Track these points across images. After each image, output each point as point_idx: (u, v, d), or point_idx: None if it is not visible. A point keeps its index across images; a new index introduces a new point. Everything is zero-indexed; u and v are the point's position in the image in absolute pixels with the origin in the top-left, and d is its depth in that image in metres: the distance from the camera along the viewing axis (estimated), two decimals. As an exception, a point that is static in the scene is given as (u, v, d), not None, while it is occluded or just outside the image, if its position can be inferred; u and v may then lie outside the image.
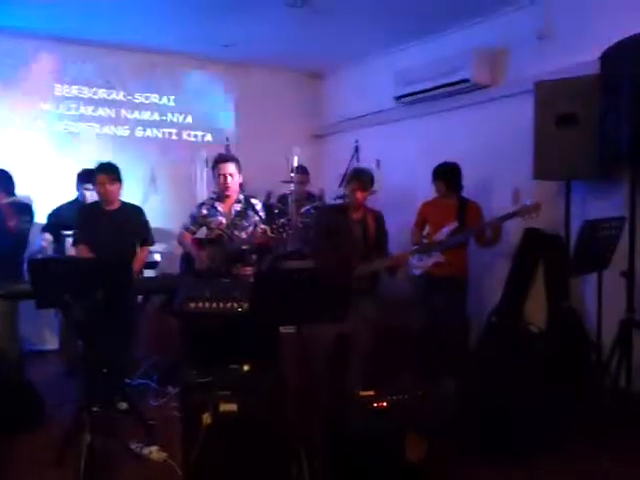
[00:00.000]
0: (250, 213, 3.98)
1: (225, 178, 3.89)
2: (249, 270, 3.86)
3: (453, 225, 4.10)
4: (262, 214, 4.03)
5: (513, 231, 4.42)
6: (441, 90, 4.98)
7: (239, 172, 3.97)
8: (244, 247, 3.85)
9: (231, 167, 3.91)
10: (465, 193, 4.46)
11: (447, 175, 4.26)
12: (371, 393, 2.81)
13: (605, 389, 3.49)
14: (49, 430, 3.43)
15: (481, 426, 3.22)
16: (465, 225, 4.11)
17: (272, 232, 3.68)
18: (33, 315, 4.27)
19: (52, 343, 5.12)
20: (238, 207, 4.00)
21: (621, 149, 3.41)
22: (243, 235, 3.92)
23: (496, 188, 4.68)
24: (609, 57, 3.54)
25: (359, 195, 3.85)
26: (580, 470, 2.98)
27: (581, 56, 3.95)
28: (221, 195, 4.00)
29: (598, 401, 3.48)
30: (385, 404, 2.70)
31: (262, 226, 3.87)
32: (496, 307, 4.36)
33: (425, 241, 4.17)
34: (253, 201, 4.07)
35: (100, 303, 2.98)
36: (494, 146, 4.77)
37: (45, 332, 5.21)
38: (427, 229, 4.33)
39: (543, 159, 3.94)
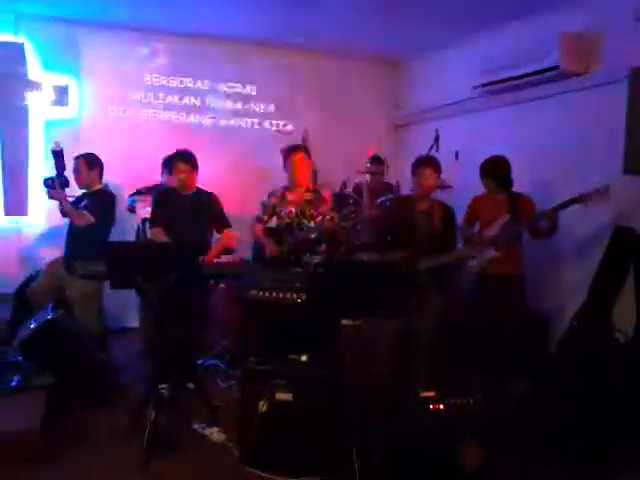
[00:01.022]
0: (319, 202, 3.99)
1: (294, 168, 3.92)
2: (316, 259, 3.87)
3: (505, 219, 3.91)
4: (332, 204, 4.02)
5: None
6: (527, 79, 4.71)
7: (309, 161, 3.98)
8: (312, 236, 3.86)
9: (300, 157, 3.93)
10: (550, 187, 4.23)
11: (495, 172, 4.07)
12: (431, 394, 2.73)
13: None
14: (124, 404, 3.61)
15: (553, 434, 3.06)
16: (517, 218, 3.91)
17: (341, 220, 3.68)
18: (119, 292, 4.52)
19: (136, 321, 5.37)
20: (308, 196, 4.01)
21: None
22: (312, 224, 3.93)
23: (584, 183, 4.38)
24: None
25: (426, 182, 3.76)
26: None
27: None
28: (291, 184, 4.03)
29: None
30: (442, 407, 2.61)
31: (332, 214, 3.87)
32: (580, 309, 4.11)
33: (477, 238, 3.99)
34: (323, 191, 4.07)
35: (171, 286, 3.10)
36: (583, 139, 4.46)
37: (130, 309, 5.46)
38: (477, 226, 4.16)
39: (636, 152, 3.64)
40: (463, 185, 5.03)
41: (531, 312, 4.26)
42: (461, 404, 2.63)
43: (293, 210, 3.98)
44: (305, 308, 2.90)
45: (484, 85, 5.13)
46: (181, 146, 4.27)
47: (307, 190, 4.04)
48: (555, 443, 3.04)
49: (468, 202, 4.30)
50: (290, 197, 4.03)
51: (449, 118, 5.76)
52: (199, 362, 4.20)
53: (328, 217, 3.84)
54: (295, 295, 2.88)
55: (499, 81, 4.94)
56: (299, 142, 5.35)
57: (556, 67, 4.45)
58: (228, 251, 4.85)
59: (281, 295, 2.91)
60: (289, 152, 3.97)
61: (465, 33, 5.35)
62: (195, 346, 4.01)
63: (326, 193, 4.07)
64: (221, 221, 4.19)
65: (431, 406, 2.63)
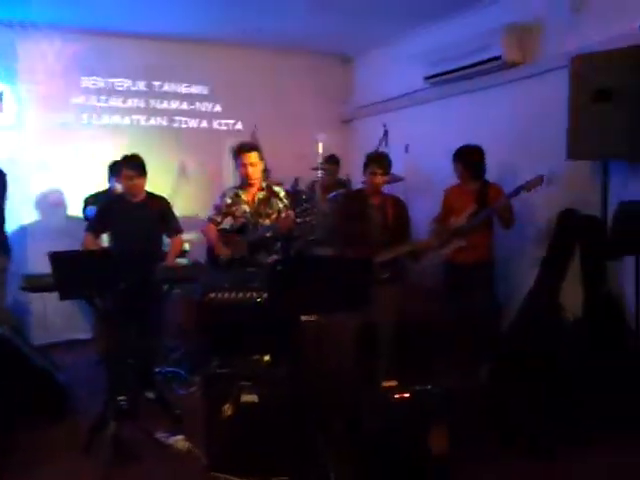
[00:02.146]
0: (273, 200, 3.96)
1: (246, 167, 3.87)
2: (273, 258, 3.83)
3: (471, 208, 3.98)
4: (286, 201, 3.99)
5: (540, 213, 4.26)
6: (471, 69, 4.79)
7: (261, 160, 3.95)
8: (267, 234, 3.83)
9: (252, 156, 3.89)
10: (498, 174, 4.31)
11: (466, 157, 4.15)
12: (393, 384, 2.74)
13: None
14: (78, 419, 3.49)
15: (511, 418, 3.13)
16: (483, 207, 4.00)
17: (296, 217, 3.66)
18: (66, 304, 4.38)
19: (84, 332, 5.20)
20: (261, 195, 3.97)
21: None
22: (267, 222, 3.89)
23: (530, 170, 4.48)
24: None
25: (375, 179, 3.80)
26: (610, 463, 2.84)
27: (619, 28, 3.72)
28: (244, 184, 3.98)
29: (636, 390, 3.32)
30: (407, 395, 2.63)
31: (287, 211, 3.85)
32: (529, 292, 4.21)
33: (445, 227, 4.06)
34: (276, 188, 4.05)
35: (124, 294, 3.01)
36: (528, 126, 4.57)
37: (76, 321, 5.26)
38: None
39: (578, 138, 3.74)
40: (416, 176, 5.11)
41: (496, 298, 4.33)
42: (426, 391, 2.65)
43: (248, 209, 3.93)
44: (265, 307, 2.85)
45: (431, 77, 5.19)
46: (127, 150, 4.15)
47: (260, 189, 3.99)
48: (514, 424, 3.10)
49: (425, 195, 4.35)
50: (244, 196, 3.98)
51: (398, 111, 5.80)
52: (157, 370, 4.10)
53: (283, 214, 3.82)
54: (255, 294, 2.84)
55: (445, 72, 5.00)
56: (249, 140, 5.28)
57: (499, 57, 4.55)
58: (181, 254, 4.77)
59: (240, 295, 2.86)
60: (240, 152, 3.91)
61: (411, 26, 5.40)
62: (152, 354, 3.91)
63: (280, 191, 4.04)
64: (172, 227, 4.09)
65: (396, 395, 2.64)
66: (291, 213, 3.64)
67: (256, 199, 3.97)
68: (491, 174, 4.34)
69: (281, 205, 3.96)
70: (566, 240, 4.00)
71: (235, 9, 4.93)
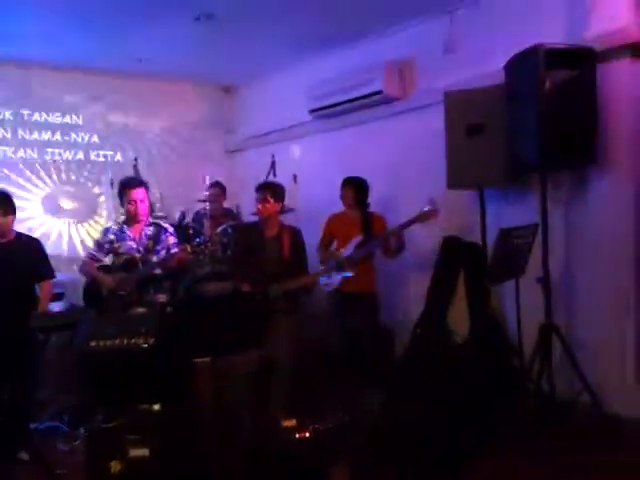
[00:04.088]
0: (163, 236, 3.78)
1: (135, 204, 3.68)
2: (163, 297, 3.65)
3: (358, 239, 4.06)
4: (175, 236, 3.84)
5: (421, 241, 4.44)
6: (354, 103, 4.95)
7: (148, 195, 3.78)
8: (156, 271, 3.65)
9: (140, 192, 3.72)
10: (382, 205, 4.43)
11: (357, 184, 4.24)
12: (293, 423, 2.67)
13: (528, 393, 3.50)
14: None
15: (409, 440, 3.15)
16: (370, 237, 4.08)
17: (192, 250, 3.52)
18: None
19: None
20: (149, 231, 3.79)
21: (529, 157, 3.46)
22: (154, 259, 3.71)
23: (412, 199, 4.67)
24: (512, 67, 3.61)
25: (267, 207, 3.77)
26: (507, 476, 2.95)
27: (486, 67, 4.01)
28: (130, 220, 3.77)
29: (522, 405, 3.50)
30: (307, 434, 2.56)
31: (182, 246, 3.68)
32: (420, 318, 4.35)
33: (334, 258, 4.09)
34: (164, 224, 3.88)
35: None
36: (408, 158, 4.78)
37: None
38: (335, 244, 4.27)
39: (455, 169, 3.96)
40: (305, 207, 5.13)
41: (382, 325, 4.41)
42: (325, 429, 2.60)
43: (134, 246, 3.72)
44: (153, 352, 2.67)
45: (315, 110, 5.28)
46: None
47: (147, 224, 3.81)
48: (412, 448, 3.13)
49: (316, 224, 4.36)
50: (130, 233, 3.77)
51: (284, 142, 5.83)
52: (34, 426, 3.71)
53: (176, 250, 3.65)
54: (142, 340, 2.65)
55: (329, 106, 5.13)
56: (131, 173, 5.06)
57: (380, 92, 4.74)
58: (57, 297, 4.41)
59: (125, 342, 2.65)
60: (127, 187, 3.72)
61: (294, 59, 5.48)
62: (28, 409, 3.54)
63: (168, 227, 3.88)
64: (44, 271, 3.76)
65: (297, 435, 2.57)
66: (187, 247, 3.48)
67: (143, 235, 3.78)
68: (374, 204, 4.47)
69: (172, 240, 3.80)
70: (450, 266, 4.19)
71: (115, 37, 4.76)
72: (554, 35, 3.60)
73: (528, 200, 3.90)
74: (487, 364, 3.73)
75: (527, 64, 3.42)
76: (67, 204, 5.52)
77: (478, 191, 4.05)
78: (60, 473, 3.16)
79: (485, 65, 4.05)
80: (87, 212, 5.56)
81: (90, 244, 3.91)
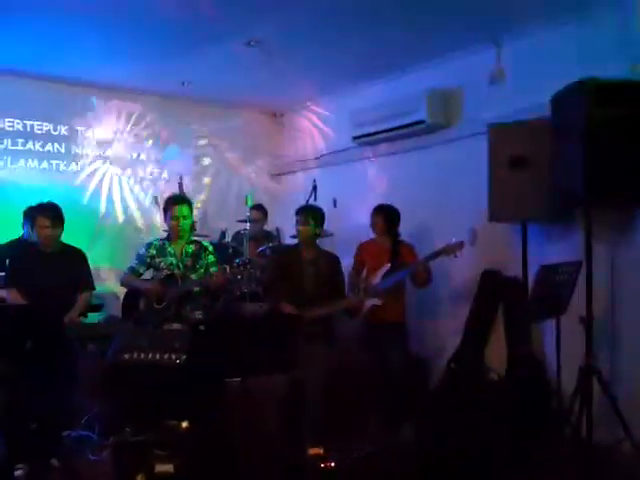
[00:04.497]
0: (202, 254, 3.85)
1: (178, 220, 3.77)
2: (199, 314, 3.69)
3: (386, 267, 4.02)
4: (215, 256, 3.91)
5: (460, 274, 4.36)
6: (397, 131, 4.96)
7: (192, 213, 3.86)
8: (195, 289, 3.71)
9: (184, 209, 3.81)
10: (420, 235, 4.40)
11: (387, 211, 4.22)
12: (320, 452, 2.64)
13: (566, 438, 3.37)
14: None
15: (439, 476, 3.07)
16: (398, 266, 4.02)
17: (232, 271, 3.58)
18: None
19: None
20: (189, 248, 3.86)
21: (573, 191, 3.39)
22: (193, 277, 3.76)
23: (451, 230, 4.61)
24: (558, 101, 3.55)
25: (306, 229, 3.80)
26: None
27: (533, 99, 3.96)
28: (173, 236, 3.85)
29: (560, 450, 3.37)
30: (333, 464, 2.52)
31: (221, 266, 3.73)
32: (455, 352, 4.27)
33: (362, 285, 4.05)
34: (204, 243, 3.95)
35: (29, 353, 2.77)
36: (449, 188, 4.74)
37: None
38: (365, 272, 4.24)
39: (498, 201, 3.91)
40: (343, 232, 5.14)
41: (413, 358, 4.33)
42: (351, 460, 2.56)
43: (175, 262, 3.79)
44: (185, 369, 2.69)
45: (359, 137, 5.31)
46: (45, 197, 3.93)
47: (189, 242, 3.88)
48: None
49: (354, 250, 4.35)
50: (171, 249, 3.85)
51: (326, 167, 5.88)
52: (66, 434, 3.77)
53: (215, 269, 3.71)
54: (174, 356, 2.67)
55: (372, 133, 5.15)
56: (176, 191, 5.18)
57: (422, 121, 4.73)
58: (95, 308, 4.51)
59: (157, 357, 2.68)
60: (172, 203, 3.81)
61: (340, 87, 5.54)
62: (61, 416, 3.60)
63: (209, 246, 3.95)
64: (84, 282, 3.86)
65: (322, 465, 2.54)
66: (226, 268, 3.53)
67: (184, 252, 3.84)
68: (412, 235, 4.44)
69: (211, 259, 3.85)
70: (489, 300, 4.11)
71: (166, 60, 4.91)
72: (605, 69, 3.54)
73: (571, 237, 3.80)
74: (523, 403, 3.62)
75: (575, 98, 3.36)
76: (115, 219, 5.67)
77: (520, 225, 3.98)
78: (88, 482, 3.20)
79: (531, 98, 4.00)
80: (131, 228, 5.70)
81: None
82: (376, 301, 3.90)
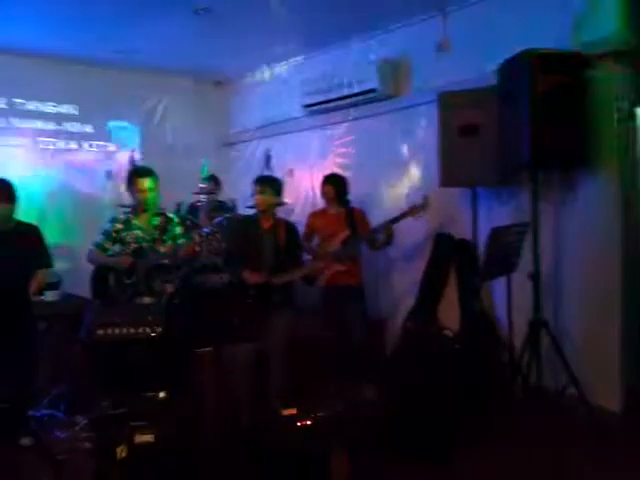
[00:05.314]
0: (169, 227, 3.84)
1: (145, 193, 3.74)
2: (170, 287, 3.70)
3: (345, 233, 4.15)
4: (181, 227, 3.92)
5: (406, 237, 4.57)
6: (348, 100, 5.03)
7: (157, 185, 3.83)
8: (165, 261, 3.71)
9: (150, 181, 3.77)
10: (370, 202, 4.53)
11: (336, 181, 4.33)
12: (293, 411, 2.76)
13: (517, 386, 3.64)
14: None
15: (403, 431, 3.26)
16: (355, 232, 4.17)
17: (200, 241, 3.58)
18: None
19: None
20: (155, 221, 3.84)
21: (521, 157, 3.57)
22: (162, 249, 3.77)
23: (402, 197, 4.78)
24: (505, 69, 3.71)
25: (265, 199, 3.85)
26: (498, 465, 3.08)
27: (480, 68, 4.11)
28: (139, 209, 3.82)
29: (511, 397, 3.63)
30: (309, 422, 2.65)
31: (195, 237, 3.72)
32: (410, 312, 4.47)
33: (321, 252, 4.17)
34: (169, 215, 3.94)
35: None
36: (401, 156, 4.88)
37: None
38: (316, 240, 4.36)
39: (448, 167, 4.06)
40: (298, 201, 5.22)
41: (370, 319, 4.51)
42: (327, 416, 2.69)
43: (141, 234, 3.77)
44: (159, 341, 2.74)
45: (309, 105, 5.35)
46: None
47: (154, 215, 3.86)
48: (408, 440, 3.24)
49: (305, 218, 4.45)
50: (136, 222, 3.81)
51: (279, 136, 5.90)
52: (31, 414, 3.75)
53: (183, 240, 3.72)
54: (149, 329, 2.71)
55: (323, 102, 5.20)
56: (127, 164, 5.09)
57: (374, 90, 4.82)
58: (53, 286, 4.44)
59: (133, 330, 2.71)
60: (137, 176, 3.76)
61: (290, 55, 5.54)
62: (27, 396, 3.58)
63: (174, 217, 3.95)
64: (42, 258, 3.79)
65: (298, 423, 2.66)
66: (195, 237, 3.54)
67: (150, 224, 3.83)
68: (362, 201, 4.58)
69: (178, 230, 3.86)
70: (442, 262, 4.31)
71: (109, 29, 4.76)
72: (547, 39, 3.70)
73: (519, 200, 4.02)
74: (476, 357, 3.86)
75: (520, 67, 3.52)
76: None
77: (470, 190, 4.17)
78: (60, 458, 3.22)
79: (478, 66, 4.14)
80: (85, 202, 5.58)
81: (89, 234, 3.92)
82: (338, 266, 4.04)
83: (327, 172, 4.62)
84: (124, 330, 2.66)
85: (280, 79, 5.91)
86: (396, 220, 4.05)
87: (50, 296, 4.26)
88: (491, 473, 3.05)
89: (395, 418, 3.38)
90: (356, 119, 5.19)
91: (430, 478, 3.02)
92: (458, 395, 3.52)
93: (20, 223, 3.74)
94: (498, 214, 4.12)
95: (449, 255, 4.33)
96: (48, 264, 3.83)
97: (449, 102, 4.08)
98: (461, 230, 4.30)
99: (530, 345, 3.53)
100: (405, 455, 3.13)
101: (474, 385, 3.61)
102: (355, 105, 5.09)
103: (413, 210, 3.99)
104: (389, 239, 4.16)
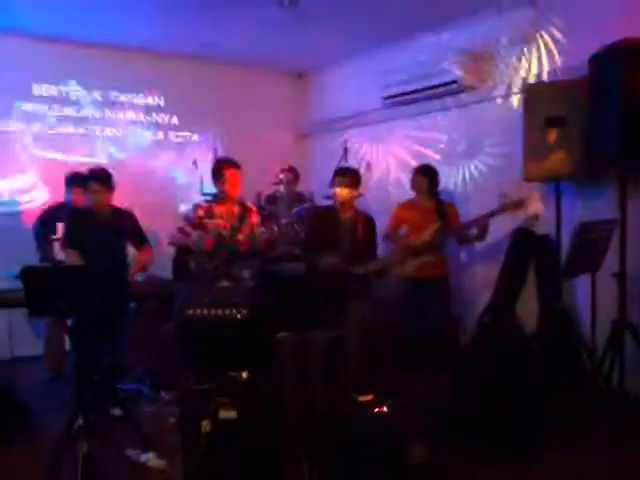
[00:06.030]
0: (247, 215, 3.99)
1: (231, 183, 3.89)
2: (247, 273, 3.84)
3: (436, 225, 4.14)
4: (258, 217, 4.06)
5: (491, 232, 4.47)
6: (429, 92, 4.99)
7: (241, 177, 3.98)
8: (244, 249, 3.86)
9: (235, 172, 3.93)
10: (452, 194, 4.49)
11: (429, 172, 4.31)
12: (370, 398, 2.81)
13: (598, 390, 3.52)
14: (36, 440, 3.35)
15: (482, 423, 3.23)
16: (446, 225, 4.14)
17: (279, 231, 3.70)
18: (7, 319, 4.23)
19: (36, 348, 4.96)
20: (237, 210, 3.99)
21: (609, 151, 3.45)
22: (241, 237, 3.91)
23: (486, 190, 4.71)
24: (596, 61, 3.58)
25: (344, 192, 3.88)
26: (579, 467, 3.01)
27: (569, 60, 3.99)
28: (221, 198, 3.98)
29: (591, 402, 3.53)
30: (385, 409, 2.70)
31: (271, 226, 3.85)
32: (487, 307, 4.41)
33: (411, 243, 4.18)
34: (248, 204, 4.08)
35: (96, 310, 2.95)
36: (482, 148, 4.80)
37: (27, 336, 4.99)
38: (404, 231, 4.35)
39: (532, 161, 3.98)
40: (375, 194, 5.24)
41: (451, 311, 4.50)
42: (404, 404, 2.73)
43: (221, 222, 3.93)
44: (244, 323, 2.87)
45: (389, 97, 5.34)
46: (80, 161, 4.07)
47: (236, 204, 4.01)
48: (485, 433, 3.21)
49: (392, 209, 4.49)
50: (218, 210, 3.98)
51: (357, 128, 5.93)
52: (119, 387, 4.00)
53: (261, 229, 3.86)
54: (235, 311, 2.84)
55: (403, 93, 5.18)
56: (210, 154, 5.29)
57: (455, 81, 4.77)
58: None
59: (220, 312, 2.85)
60: (226, 166, 3.92)
61: (371, 47, 5.55)
62: (118, 370, 3.83)
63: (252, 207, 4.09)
64: (139, 238, 4.04)
65: (375, 409, 2.71)
66: (274, 228, 3.66)
67: (232, 213, 3.98)
68: (443, 194, 4.54)
69: (255, 220, 3.99)
70: (521, 257, 4.22)
71: (192, 21, 4.94)
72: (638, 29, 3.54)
73: (605, 196, 3.88)
74: (555, 356, 3.77)
75: (613, 59, 3.40)
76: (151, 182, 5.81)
77: (554, 184, 4.06)
78: (147, 430, 3.42)
79: (567, 58, 4.02)
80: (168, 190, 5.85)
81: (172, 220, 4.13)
82: (428, 257, 4.06)
83: (404, 165, 4.63)
84: (212, 311, 2.80)
85: (360, 71, 5.93)
86: (492, 214, 3.99)
87: (139, 277, 4.51)
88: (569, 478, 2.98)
89: (470, 411, 3.37)
90: (438, 111, 5.15)
91: (505, 475, 2.98)
92: (534, 394, 3.46)
93: (116, 208, 4.00)
94: (582, 210, 3.99)
95: (529, 251, 4.24)
96: (147, 242, 4.08)
97: (535, 94, 3.99)
98: (543, 226, 4.19)
99: (612, 347, 3.42)
100: (481, 448, 3.10)
101: (552, 385, 3.53)
102: (437, 97, 5.05)
103: (509, 206, 3.90)
104: (483, 234, 4.13)
